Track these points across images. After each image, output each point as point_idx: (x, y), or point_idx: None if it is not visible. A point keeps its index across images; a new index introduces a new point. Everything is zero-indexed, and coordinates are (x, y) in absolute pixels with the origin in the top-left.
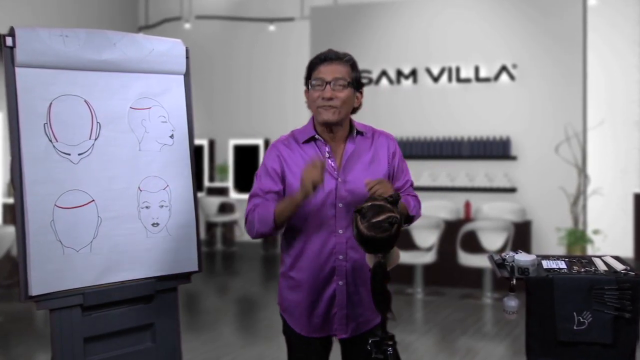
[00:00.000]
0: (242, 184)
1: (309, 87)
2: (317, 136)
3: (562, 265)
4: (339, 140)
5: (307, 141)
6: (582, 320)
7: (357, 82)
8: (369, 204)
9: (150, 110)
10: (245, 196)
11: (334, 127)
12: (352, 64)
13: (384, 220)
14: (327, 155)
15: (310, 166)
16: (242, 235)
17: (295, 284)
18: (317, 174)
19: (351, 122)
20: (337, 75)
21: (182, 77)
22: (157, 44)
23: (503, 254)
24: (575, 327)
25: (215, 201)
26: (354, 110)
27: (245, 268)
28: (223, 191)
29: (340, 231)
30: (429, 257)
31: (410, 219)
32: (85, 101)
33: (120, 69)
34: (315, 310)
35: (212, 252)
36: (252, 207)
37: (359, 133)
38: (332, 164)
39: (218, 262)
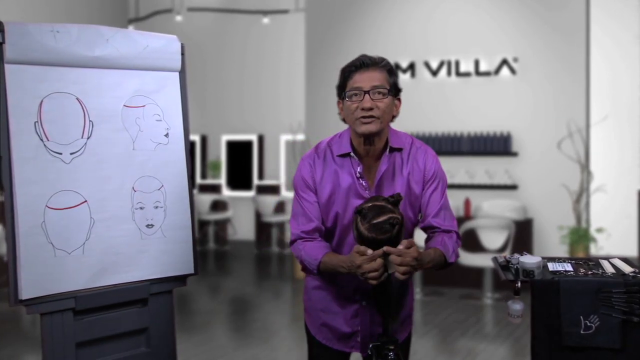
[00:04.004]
0: (235, 181)
1: (345, 97)
2: (352, 154)
3: (568, 267)
4: (374, 155)
5: (342, 155)
6: (589, 324)
7: (395, 89)
8: (370, 204)
9: (144, 109)
10: (239, 194)
11: (373, 139)
12: (390, 69)
13: (385, 221)
14: (357, 175)
15: (369, 259)
16: (234, 233)
17: (320, 286)
18: (377, 266)
19: (387, 137)
20: (375, 82)
21: (177, 74)
22: (151, 40)
23: (507, 256)
24: (582, 332)
25: (207, 199)
26: (392, 118)
27: (239, 268)
28: (215, 188)
29: (369, 251)
30: None
31: (445, 266)
32: (77, 99)
33: (114, 66)
34: (334, 320)
35: (205, 251)
36: (298, 238)
37: (395, 150)
38: (364, 184)
39: (211, 262)
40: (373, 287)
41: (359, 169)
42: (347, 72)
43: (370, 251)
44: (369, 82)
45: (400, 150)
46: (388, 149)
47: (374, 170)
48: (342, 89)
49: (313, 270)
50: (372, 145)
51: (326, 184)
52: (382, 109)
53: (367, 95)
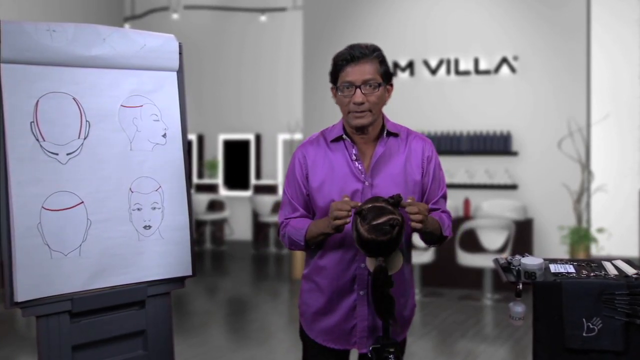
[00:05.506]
0: (233, 180)
1: (337, 89)
2: (344, 136)
3: (570, 269)
4: (369, 140)
5: (336, 140)
6: (591, 326)
7: (387, 76)
8: (369, 205)
9: (142, 109)
10: (235, 193)
11: (367, 129)
12: (381, 59)
13: (385, 222)
14: (353, 157)
15: (339, 203)
16: (232, 234)
17: (315, 288)
18: (344, 214)
19: (383, 122)
20: (366, 77)
21: (174, 73)
22: (149, 39)
23: (508, 257)
24: (584, 334)
25: (204, 198)
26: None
27: (236, 268)
28: (212, 188)
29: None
30: (426, 257)
31: (441, 239)
32: (73, 99)
33: (111, 65)
34: (332, 318)
35: (201, 252)
36: (284, 222)
37: (392, 134)
38: (360, 167)
39: (207, 262)
40: (373, 290)
41: (354, 151)
42: (339, 65)
43: (348, 198)
44: (360, 76)
45: (396, 135)
46: (385, 133)
47: (369, 155)
48: (334, 77)
49: (300, 241)
50: (366, 134)
51: (319, 168)
52: (373, 101)
53: (358, 90)
